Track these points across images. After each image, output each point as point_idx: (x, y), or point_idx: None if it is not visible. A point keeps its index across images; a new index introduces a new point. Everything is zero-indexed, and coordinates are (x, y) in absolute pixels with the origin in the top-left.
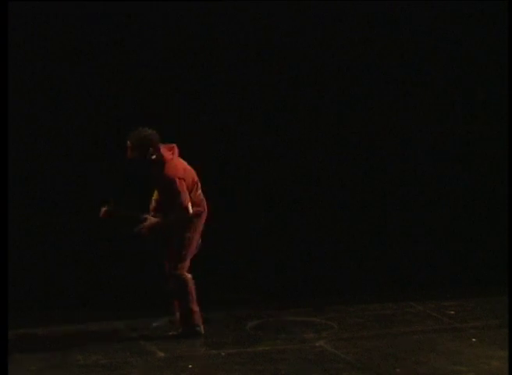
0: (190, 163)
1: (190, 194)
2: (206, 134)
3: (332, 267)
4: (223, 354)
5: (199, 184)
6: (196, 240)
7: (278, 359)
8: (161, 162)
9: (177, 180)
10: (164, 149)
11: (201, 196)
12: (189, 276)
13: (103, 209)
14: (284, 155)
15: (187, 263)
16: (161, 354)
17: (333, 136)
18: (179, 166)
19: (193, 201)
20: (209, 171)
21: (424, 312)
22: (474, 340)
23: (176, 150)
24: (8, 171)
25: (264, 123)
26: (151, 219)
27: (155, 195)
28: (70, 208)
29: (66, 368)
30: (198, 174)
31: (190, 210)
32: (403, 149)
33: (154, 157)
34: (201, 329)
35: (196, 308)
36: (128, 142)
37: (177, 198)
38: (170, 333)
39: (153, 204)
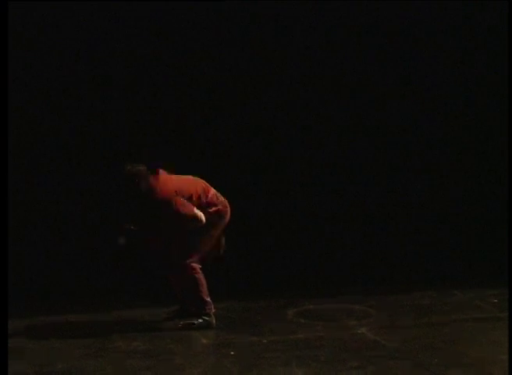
0: (191, 165)
1: (199, 200)
2: (206, 134)
3: (371, 256)
4: (265, 341)
5: (208, 187)
6: (214, 237)
7: (318, 346)
8: (150, 190)
9: (173, 199)
10: (151, 178)
11: (216, 196)
12: (198, 266)
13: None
14: (284, 155)
15: (198, 257)
16: (203, 340)
17: (333, 135)
18: (167, 185)
19: (206, 203)
20: (209, 171)
21: (466, 300)
22: None
23: (161, 171)
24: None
25: (264, 122)
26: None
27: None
28: (71, 208)
29: (107, 354)
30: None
31: (201, 217)
32: (403, 149)
33: (144, 189)
34: (213, 319)
35: (207, 298)
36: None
37: (182, 214)
38: (181, 324)
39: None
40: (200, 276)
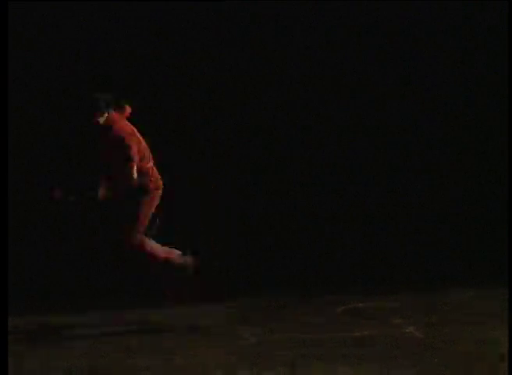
0: (191, 165)
1: (142, 163)
2: (206, 134)
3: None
4: (312, 339)
5: (150, 156)
6: (150, 209)
7: (366, 345)
8: (109, 124)
9: (129, 140)
10: (113, 113)
11: (153, 170)
12: (142, 238)
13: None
14: (284, 155)
15: (140, 235)
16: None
17: (333, 135)
18: (130, 126)
19: (140, 170)
20: (209, 171)
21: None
22: None
23: (128, 110)
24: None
25: (264, 122)
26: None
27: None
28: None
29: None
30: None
31: (134, 174)
32: (403, 149)
33: (101, 120)
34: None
35: (168, 254)
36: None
37: (127, 152)
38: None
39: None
40: (150, 245)
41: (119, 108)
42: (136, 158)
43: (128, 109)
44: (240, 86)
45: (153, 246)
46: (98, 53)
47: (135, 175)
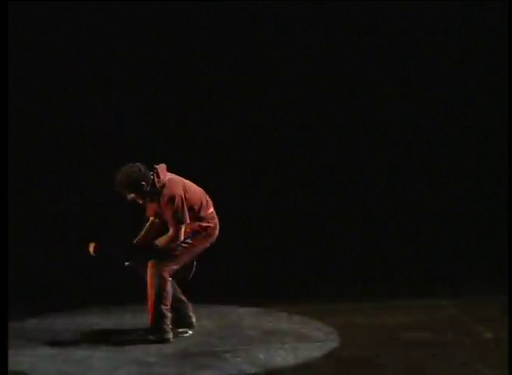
0: (191, 165)
1: (199, 212)
2: (206, 134)
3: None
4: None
5: (210, 202)
6: (196, 252)
7: None
8: (158, 188)
9: (176, 197)
10: (159, 173)
11: (213, 214)
12: (170, 279)
13: (92, 245)
14: (284, 155)
15: (174, 269)
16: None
17: (333, 135)
18: (178, 184)
19: (203, 217)
20: (209, 171)
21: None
22: None
23: (163, 169)
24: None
25: (264, 122)
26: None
27: (148, 226)
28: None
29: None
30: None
31: (181, 235)
32: (403, 149)
33: (148, 188)
34: (170, 335)
35: (168, 313)
36: (118, 189)
37: (174, 216)
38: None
39: (142, 234)
40: (168, 290)
41: (161, 170)
42: (185, 214)
43: (162, 168)
44: (240, 86)
45: (169, 291)
46: (98, 53)
47: (181, 237)
